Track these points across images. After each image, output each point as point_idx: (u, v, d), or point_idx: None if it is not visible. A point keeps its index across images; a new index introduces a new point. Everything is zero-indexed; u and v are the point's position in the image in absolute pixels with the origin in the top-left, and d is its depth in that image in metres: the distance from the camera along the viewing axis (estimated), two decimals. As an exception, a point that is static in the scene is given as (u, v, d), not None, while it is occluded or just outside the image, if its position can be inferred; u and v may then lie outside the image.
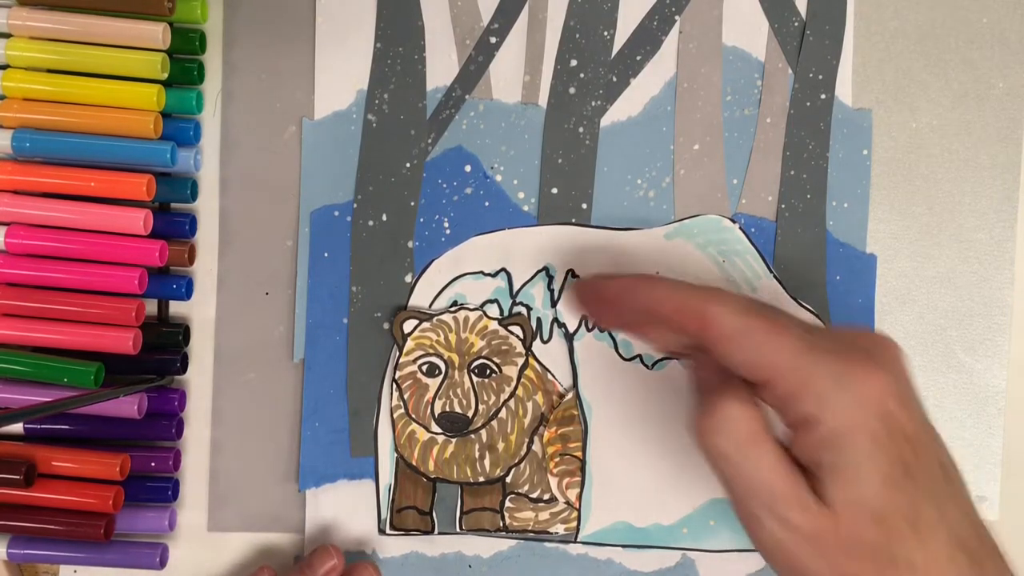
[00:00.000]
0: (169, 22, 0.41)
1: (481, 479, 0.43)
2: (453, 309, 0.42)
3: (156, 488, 0.42)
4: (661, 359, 0.43)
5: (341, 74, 0.43)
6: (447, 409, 0.42)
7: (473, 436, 0.43)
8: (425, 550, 0.43)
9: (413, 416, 0.42)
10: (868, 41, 0.43)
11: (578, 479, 0.43)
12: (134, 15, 0.40)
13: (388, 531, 0.43)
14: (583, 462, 0.43)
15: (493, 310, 0.43)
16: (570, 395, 0.43)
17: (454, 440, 0.43)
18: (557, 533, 0.43)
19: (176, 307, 0.43)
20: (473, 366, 0.42)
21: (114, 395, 0.40)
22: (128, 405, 0.41)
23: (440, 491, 0.43)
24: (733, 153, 0.43)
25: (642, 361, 0.43)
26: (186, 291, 0.43)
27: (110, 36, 0.40)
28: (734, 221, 0.43)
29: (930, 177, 0.43)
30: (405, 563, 0.43)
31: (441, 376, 0.42)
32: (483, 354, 0.42)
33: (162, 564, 0.42)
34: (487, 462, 0.43)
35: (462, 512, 0.43)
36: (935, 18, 0.43)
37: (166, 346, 0.43)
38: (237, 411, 0.43)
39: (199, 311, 0.43)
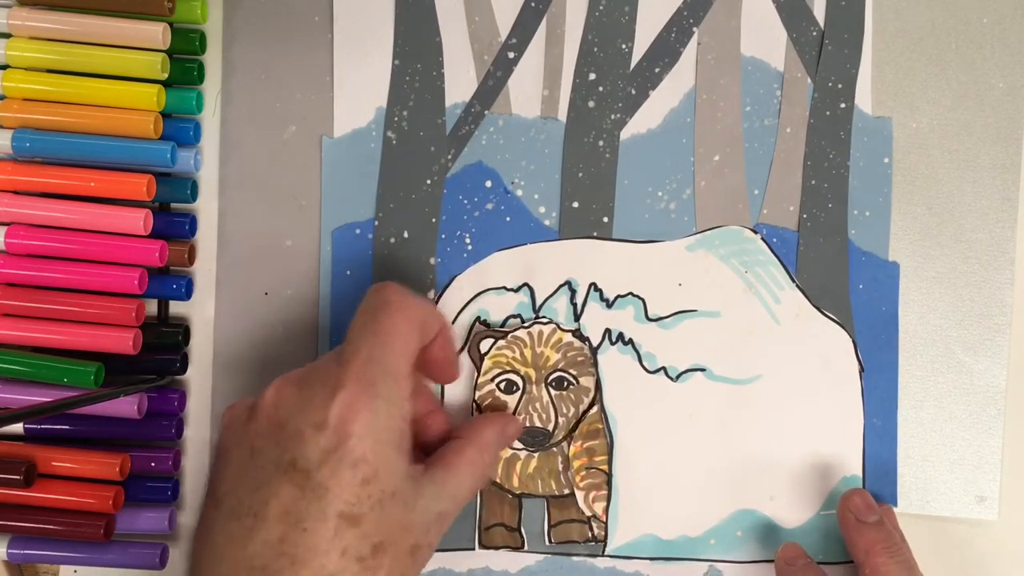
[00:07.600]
0: (169, 22, 0.41)
1: (566, 491, 0.43)
2: (526, 324, 0.42)
3: (156, 488, 0.42)
4: (685, 371, 0.43)
5: (360, 92, 0.43)
6: (527, 424, 0.42)
7: (555, 449, 0.43)
8: (453, 566, 0.43)
9: None
10: (877, 46, 0.43)
11: (604, 493, 0.43)
12: (134, 15, 0.40)
13: (477, 549, 0.43)
14: (609, 475, 0.43)
15: (565, 324, 0.43)
16: (595, 409, 0.43)
17: (536, 455, 0.43)
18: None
19: (176, 307, 0.43)
20: (550, 379, 0.42)
21: (114, 395, 0.40)
22: (128, 405, 0.41)
23: (527, 506, 0.43)
24: (753, 164, 0.43)
25: (666, 374, 0.43)
26: (186, 291, 0.43)
27: (110, 36, 0.40)
28: (756, 232, 0.43)
29: (930, 177, 0.43)
30: (431, 579, 0.43)
31: (519, 392, 0.42)
32: (559, 367, 0.42)
33: (162, 564, 0.42)
34: (571, 474, 0.43)
35: (550, 525, 0.43)
36: (935, 18, 0.43)
37: (166, 346, 0.43)
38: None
39: (199, 311, 0.43)
